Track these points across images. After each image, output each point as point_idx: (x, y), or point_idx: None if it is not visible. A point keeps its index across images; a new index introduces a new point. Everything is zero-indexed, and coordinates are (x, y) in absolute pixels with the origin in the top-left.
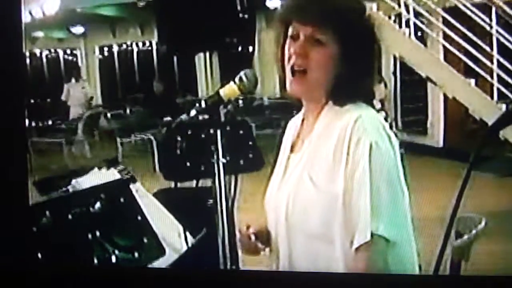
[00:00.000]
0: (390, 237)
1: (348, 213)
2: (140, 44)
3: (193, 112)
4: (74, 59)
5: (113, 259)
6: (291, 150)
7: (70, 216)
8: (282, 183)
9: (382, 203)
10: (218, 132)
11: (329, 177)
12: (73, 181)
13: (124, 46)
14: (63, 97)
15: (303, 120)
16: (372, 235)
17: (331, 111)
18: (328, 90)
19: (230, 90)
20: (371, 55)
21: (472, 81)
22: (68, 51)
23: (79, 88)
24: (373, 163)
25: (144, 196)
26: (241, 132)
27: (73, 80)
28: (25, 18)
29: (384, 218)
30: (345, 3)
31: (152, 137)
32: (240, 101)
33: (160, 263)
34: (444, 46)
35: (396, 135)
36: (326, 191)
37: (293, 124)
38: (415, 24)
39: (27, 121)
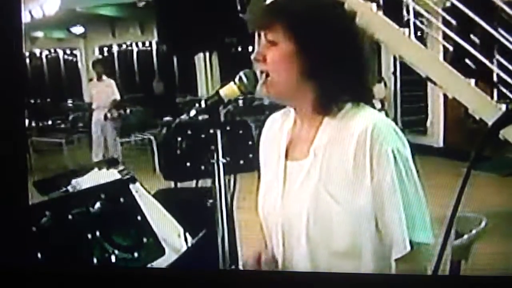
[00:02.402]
0: (430, 241)
1: (380, 227)
2: (140, 44)
3: (192, 112)
4: (74, 59)
5: (113, 259)
6: (287, 157)
7: (70, 216)
8: (286, 195)
9: (414, 210)
10: (218, 132)
11: (351, 192)
12: (73, 181)
13: (124, 46)
14: (86, 99)
15: (294, 124)
16: (414, 244)
17: (335, 118)
18: (311, 94)
19: (230, 90)
20: (343, 49)
21: (472, 81)
22: (68, 51)
23: (102, 87)
24: (398, 170)
25: (144, 196)
26: (241, 132)
27: (94, 79)
28: (25, 18)
29: (421, 224)
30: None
31: (152, 137)
32: (240, 101)
33: (160, 263)
34: (444, 46)
35: None
36: (350, 207)
37: (278, 125)
38: (415, 24)
39: (27, 121)
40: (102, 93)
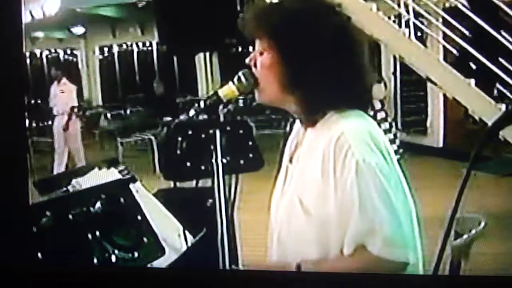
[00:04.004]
0: (394, 258)
1: (342, 237)
2: (140, 44)
3: (191, 112)
4: (74, 59)
5: (113, 259)
6: (290, 160)
7: (70, 216)
8: (280, 198)
9: (381, 222)
10: (218, 132)
11: (319, 201)
12: (73, 181)
13: (124, 46)
14: (50, 104)
15: (299, 128)
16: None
17: (317, 126)
18: (296, 105)
19: (228, 90)
20: (325, 62)
21: (472, 81)
22: (68, 51)
23: (57, 92)
24: (362, 181)
25: (144, 196)
26: (241, 132)
27: (55, 82)
28: (26, 18)
29: (386, 237)
30: (271, 8)
31: (152, 137)
32: (240, 101)
33: (160, 263)
34: (444, 46)
35: (395, 136)
36: (316, 217)
37: (297, 129)
38: (415, 24)
39: (27, 122)
40: (57, 97)
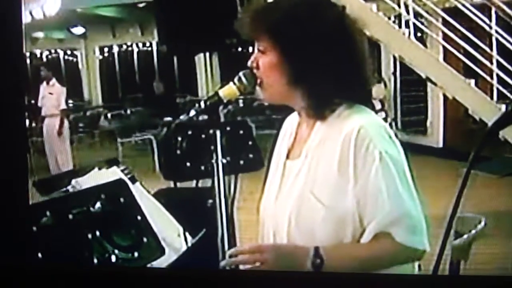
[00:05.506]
0: (416, 246)
1: (360, 227)
2: (140, 45)
3: (192, 113)
4: (74, 59)
5: (113, 259)
6: (287, 156)
7: (70, 216)
8: (280, 194)
9: (406, 210)
10: (218, 132)
11: (335, 194)
12: (73, 181)
13: (124, 46)
14: (39, 103)
15: (298, 124)
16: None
17: (328, 120)
18: (302, 100)
19: (229, 90)
20: (328, 57)
21: (472, 81)
22: (69, 52)
23: (46, 93)
24: (386, 171)
25: (144, 196)
26: (241, 132)
27: (44, 83)
28: (26, 18)
29: (410, 225)
30: (267, 8)
31: (152, 137)
32: (241, 101)
33: (160, 263)
34: (443, 47)
35: (396, 135)
36: (334, 208)
37: (289, 125)
38: (414, 24)
39: (27, 121)
40: (45, 98)
